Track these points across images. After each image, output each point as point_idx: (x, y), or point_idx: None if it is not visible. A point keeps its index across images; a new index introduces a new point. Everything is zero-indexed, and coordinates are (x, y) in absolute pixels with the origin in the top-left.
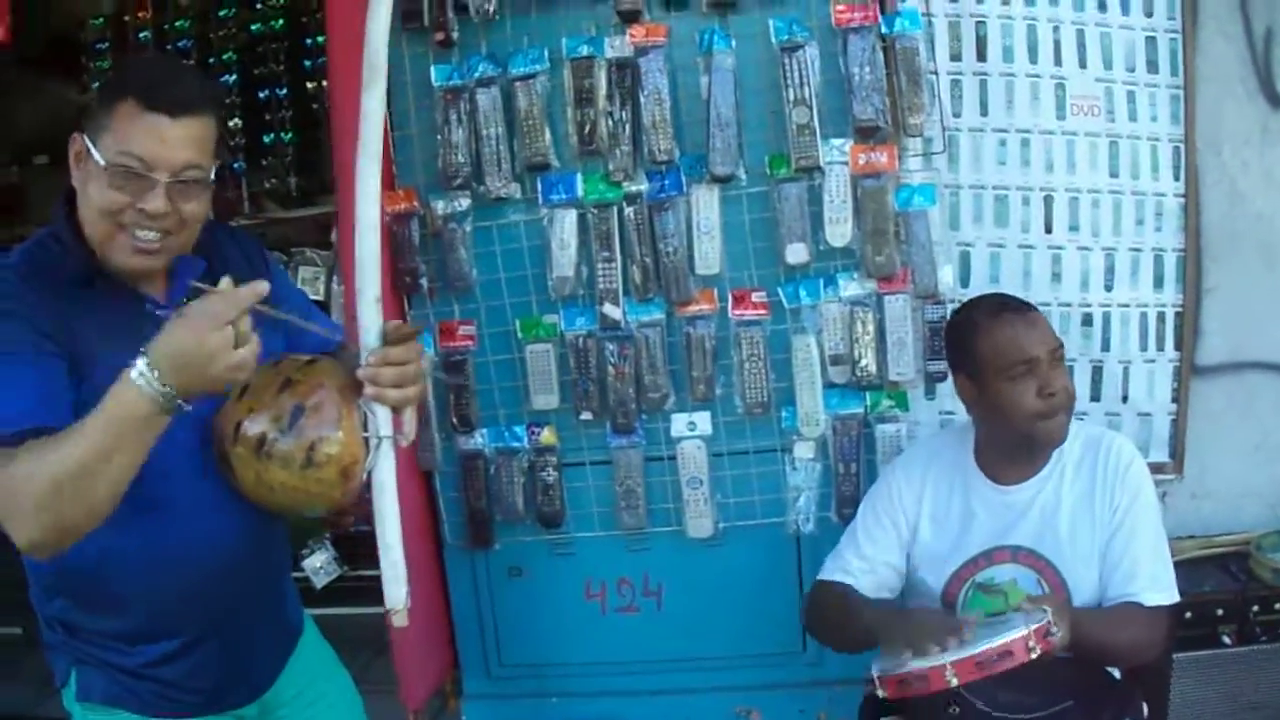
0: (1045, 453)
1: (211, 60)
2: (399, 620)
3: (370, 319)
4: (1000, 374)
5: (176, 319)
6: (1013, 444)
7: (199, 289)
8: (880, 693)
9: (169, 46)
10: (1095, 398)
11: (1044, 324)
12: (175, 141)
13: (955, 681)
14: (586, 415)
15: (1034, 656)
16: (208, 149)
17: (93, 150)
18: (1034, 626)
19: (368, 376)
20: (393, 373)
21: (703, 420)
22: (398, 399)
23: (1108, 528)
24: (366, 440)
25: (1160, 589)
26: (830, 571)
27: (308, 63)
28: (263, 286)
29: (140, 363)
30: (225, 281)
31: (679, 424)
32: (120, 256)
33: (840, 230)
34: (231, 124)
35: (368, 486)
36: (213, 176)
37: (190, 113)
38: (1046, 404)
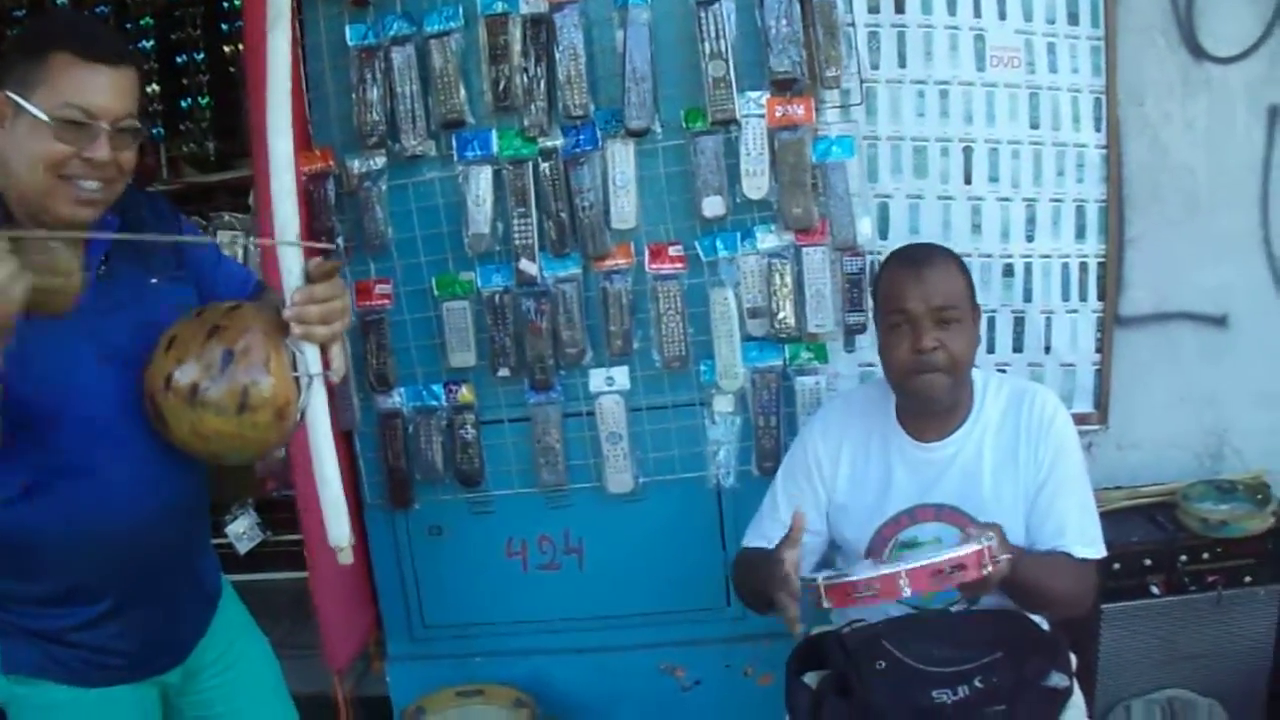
0: (930, 408)
1: (129, 25)
2: (344, 558)
3: (291, 260)
4: (882, 321)
5: None
6: (901, 399)
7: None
8: (825, 603)
9: (86, 12)
10: (1018, 349)
11: (938, 280)
12: (115, 90)
13: (909, 591)
14: (504, 372)
15: (986, 572)
16: (138, 99)
17: (26, 106)
18: (986, 543)
19: (293, 316)
20: (318, 309)
21: (621, 375)
22: (325, 335)
23: (1033, 483)
24: (297, 380)
25: (1088, 542)
26: (751, 539)
27: (224, 26)
28: None
29: None
30: None
31: (597, 379)
32: (63, 208)
33: (757, 183)
34: (149, 90)
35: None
36: (144, 128)
37: (125, 62)
38: (914, 360)
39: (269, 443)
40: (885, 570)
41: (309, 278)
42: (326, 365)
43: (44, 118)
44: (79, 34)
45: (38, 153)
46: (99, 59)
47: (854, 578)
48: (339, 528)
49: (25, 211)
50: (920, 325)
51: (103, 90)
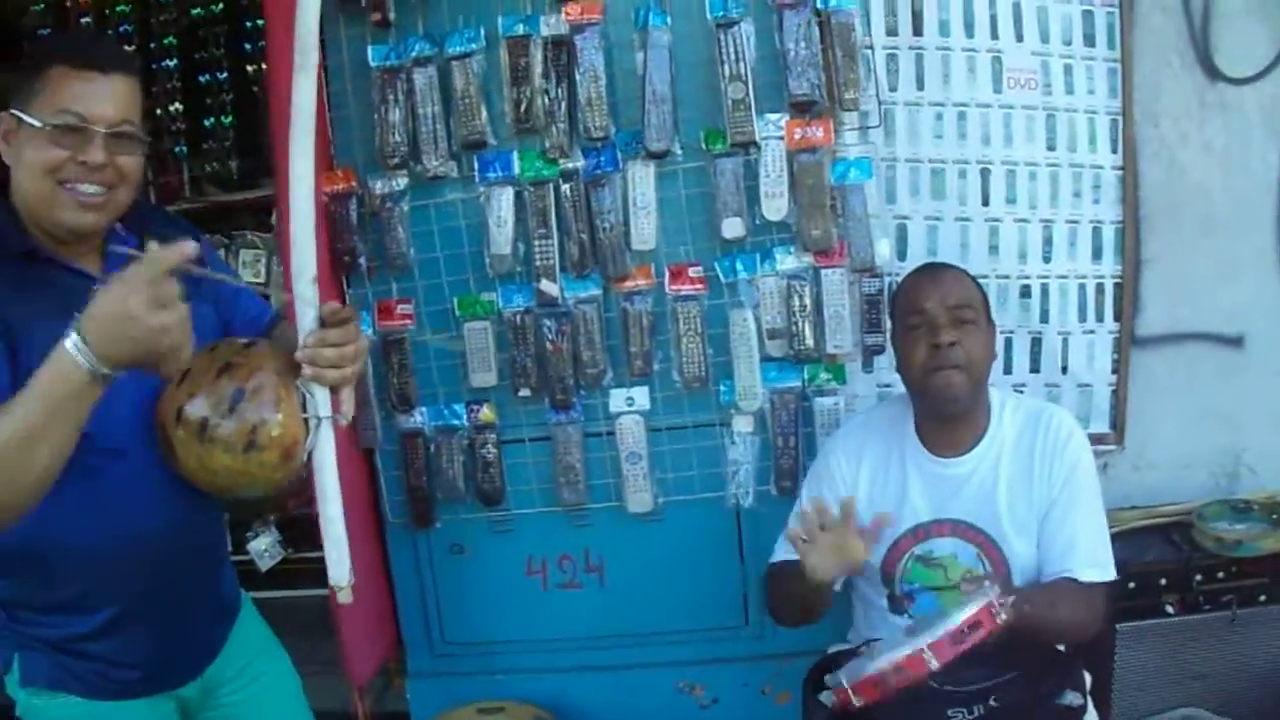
0: (947, 413)
1: (152, 45)
2: (343, 597)
3: (307, 301)
4: (900, 325)
5: (104, 287)
6: (921, 405)
7: (131, 256)
8: (857, 702)
9: (110, 31)
10: (1035, 369)
11: (953, 282)
12: (108, 96)
13: (935, 664)
14: (525, 392)
15: (1000, 621)
16: (137, 107)
17: (25, 118)
18: (992, 595)
19: (306, 358)
20: (331, 354)
21: (641, 395)
22: (336, 379)
23: (1045, 500)
24: (306, 421)
25: (1096, 565)
26: (778, 554)
27: (248, 46)
28: (189, 247)
29: (72, 333)
30: (152, 246)
31: (617, 399)
32: (65, 214)
33: (776, 205)
34: (172, 109)
35: (308, 467)
36: (145, 136)
37: (118, 69)
38: (933, 357)
39: (274, 481)
40: (907, 651)
41: (324, 321)
42: (336, 408)
43: (39, 125)
44: (73, 45)
45: (36, 159)
46: (91, 66)
47: (877, 669)
48: (339, 568)
49: (40, 230)
50: (937, 323)
51: (95, 96)
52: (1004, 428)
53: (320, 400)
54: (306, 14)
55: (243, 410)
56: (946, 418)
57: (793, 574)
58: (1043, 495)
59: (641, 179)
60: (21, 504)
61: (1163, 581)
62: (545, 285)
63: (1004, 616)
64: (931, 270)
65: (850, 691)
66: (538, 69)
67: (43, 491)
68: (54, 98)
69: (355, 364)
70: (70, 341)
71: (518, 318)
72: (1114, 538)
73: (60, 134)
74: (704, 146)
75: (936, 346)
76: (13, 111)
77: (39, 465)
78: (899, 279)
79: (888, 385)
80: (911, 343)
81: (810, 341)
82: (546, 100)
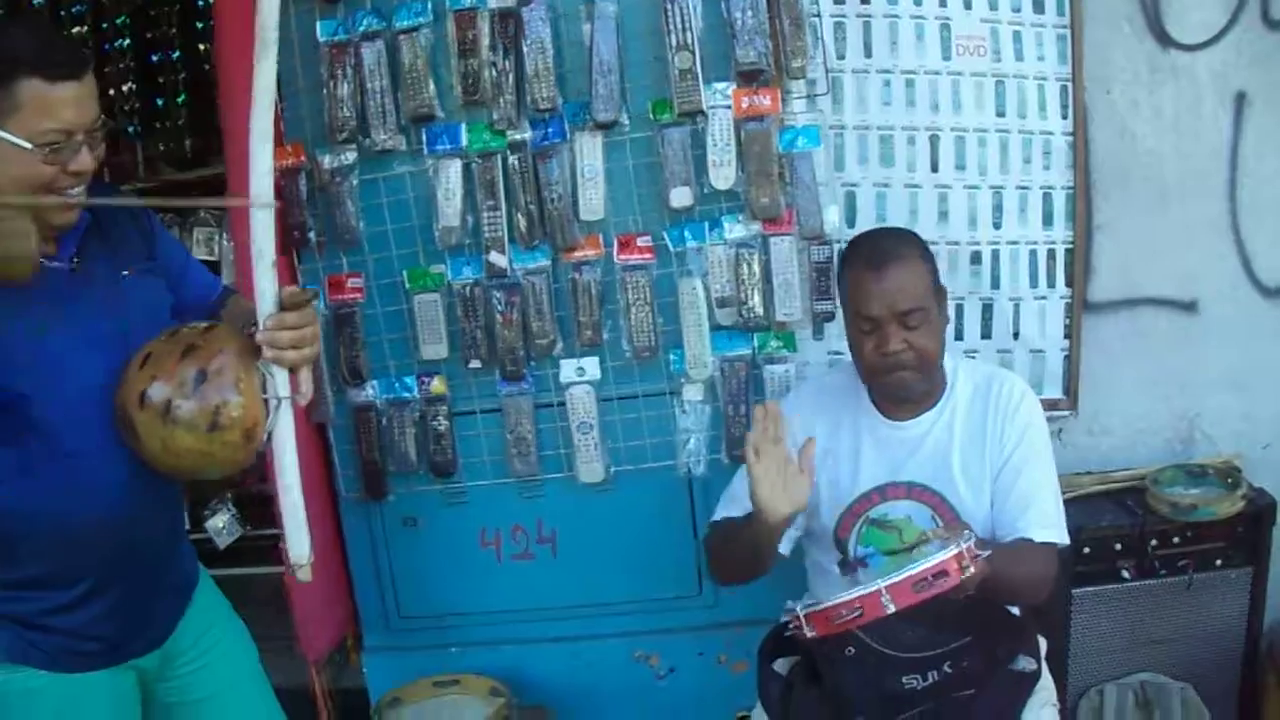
0: (901, 402)
1: (105, 25)
2: (303, 575)
3: (266, 284)
4: (848, 316)
5: None
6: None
7: None
8: (809, 632)
9: (63, 12)
10: (986, 335)
11: (900, 281)
12: (84, 102)
13: (892, 607)
14: (475, 364)
15: (967, 576)
16: (97, 94)
17: (8, 136)
18: (964, 545)
19: (265, 340)
20: (289, 335)
21: (591, 365)
22: (295, 360)
23: (999, 463)
24: (266, 402)
25: (1049, 526)
26: (721, 509)
27: (199, 25)
28: None
29: None
30: None
31: (567, 370)
32: (54, 217)
33: (724, 173)
34: (125, 88)
35: (268, 446)
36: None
37: (84, 67)
38: (882, 361)
39: (236, 461)
40: (866, 589)
41: (282, 304)
42: (295, 389)
43: (27, 145)
44: (40, 56)
45: (28, 176)
46: (65, 76)
47: (834, 601)
48: (299, 546)
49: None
50: (885, 329)
51: (73, 105)
52: (957, 391)
53: (280, 381)
54: (269, 2)
55: (204, 391)
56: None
57: (737, 527)
58: (996, 457)
59: (589, 149)
60: None
61: (1118, 547)
62: (494, 257)
63: (972, 570)
64: (876, 267)
65: (804, 620)
66: (485, 41)
67: None
68: (36, 118)
69: (313, 345)
70: None
71: (467, 289)
72: (1069, 503)
73: (50, 152)
74: (651, 116)
75: (884, 354)
76: None
77: None
78: (842, 245)
79: (838, 353)
80: (860, 339)
81: (760, 310)
82: (494, 72)
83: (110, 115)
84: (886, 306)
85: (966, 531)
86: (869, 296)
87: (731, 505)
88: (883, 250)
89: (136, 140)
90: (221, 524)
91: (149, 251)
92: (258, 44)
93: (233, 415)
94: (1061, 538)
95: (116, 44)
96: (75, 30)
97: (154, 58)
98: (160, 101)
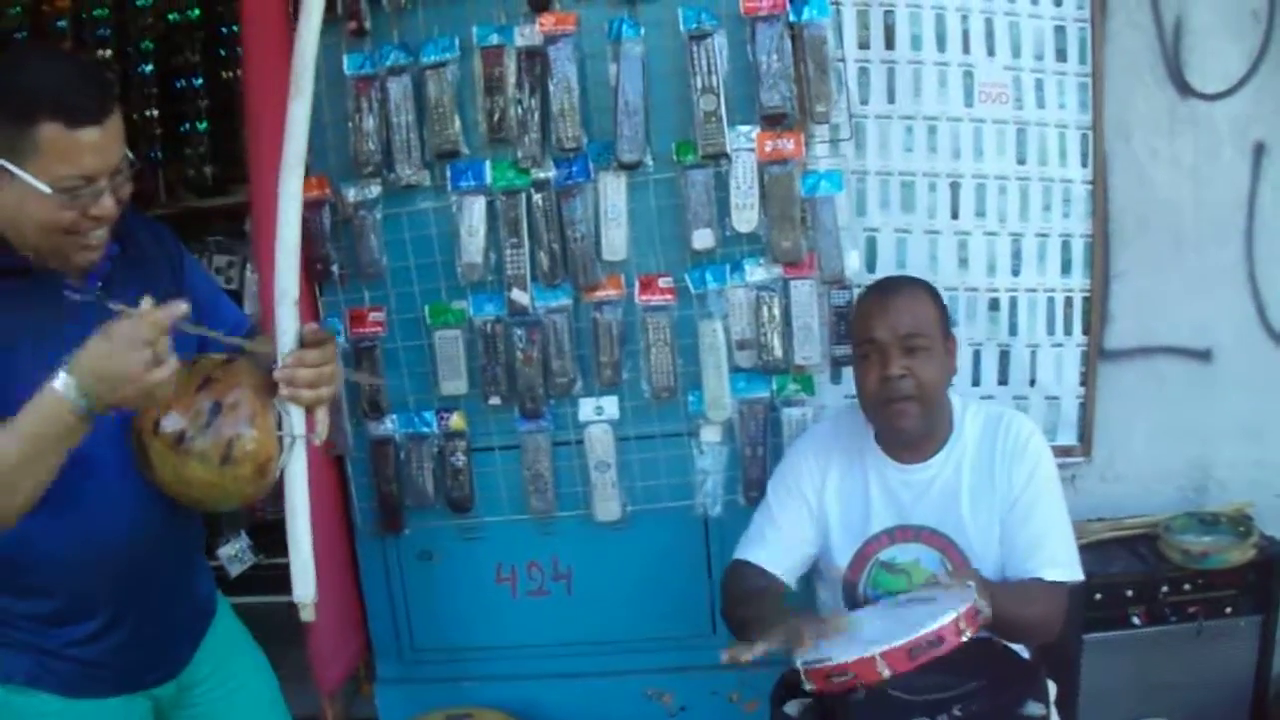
0: (902, 439)
1: (129, 50)
2: (306, 615)
3: (288, 322)
4: (855, 350)
5: (99, 337)
6: (875, 426)
7: (123, 312)
8: (807, 686)
9: (86, 36)
10: (1003, 381)
11: (905, 308)
12: (107, 146)
13: (888, 673)
14: (495, 400)
15: (964, 640)
16: (124, 133)
17: (21, 175)
18: (963, 609)
19: (284, 378)
20: (308, 374)
21: (610, 405)
22: (311, 399)
23: (1007, 503)
24: (281, 439)
25: (1060, 565)
26: (744, 549)
27: (224, 51)
28: (181, 308)
29: (62, 375)
30: (146, 302)
31: (586, 409)
32: (76, 257)
33: (746, 216)
34: (148, 114)
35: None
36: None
37: (109, 112)
38: (884, 388)
39: (247, 495)
40: (865, 652)
41: (303, 342)
42: (310, 429)
43: (47, 190)
44: (62, 100)
45: (48, 220)
46: (86, 122)
47: (833, 662)
48: (304, 587)
49: (39, 262)
50: (888, 353)
51: (94, 152)
52: (965, 433)
53: (295, 419)
54: (306, 42)
55: (219, 424)
56: (889, 434)
57: (755, 588)
58: (1005, 498)
59: (613, 189)
60: (4, 526)
61: (1129, 593)
62: (516, 294)
63: (969, 634)
64: (884, 293)
65: (803, 674)
66: (511, 79)
67: (23, 512)
68: (56, 163)
69: (332, 385)
70: (61, 384)
71: (488, 326)
72: (1081, 549)
73: (70, 196)
74: (675, 158)
75: (887, 378)
76: (3, 164)
77: (23, 493)
78: (862, 290)
79: (855, 396)
80: (864, 369)
81: (779, 352)
82: (520, 110)
83: (133, 142)
84: (889, 328)
85: (971, 584)
86: (872, 321)
87: (752, 546)
88: (893, 282)
89: (159, 166)
90: (234, 552)
91: (177, 282)
92: (293, 83)
93: (246, 449)
94: (1074, 575)
95: (140, 69)
96: (100, 53)
97: (178, 84)
98: (183, 128)
